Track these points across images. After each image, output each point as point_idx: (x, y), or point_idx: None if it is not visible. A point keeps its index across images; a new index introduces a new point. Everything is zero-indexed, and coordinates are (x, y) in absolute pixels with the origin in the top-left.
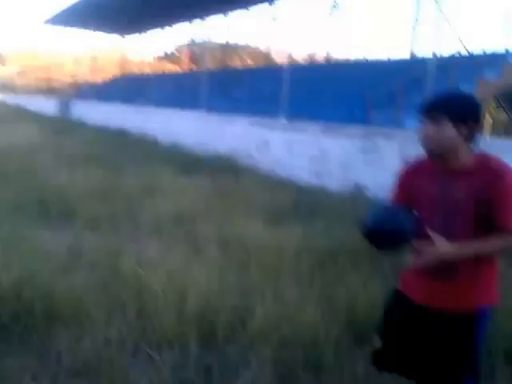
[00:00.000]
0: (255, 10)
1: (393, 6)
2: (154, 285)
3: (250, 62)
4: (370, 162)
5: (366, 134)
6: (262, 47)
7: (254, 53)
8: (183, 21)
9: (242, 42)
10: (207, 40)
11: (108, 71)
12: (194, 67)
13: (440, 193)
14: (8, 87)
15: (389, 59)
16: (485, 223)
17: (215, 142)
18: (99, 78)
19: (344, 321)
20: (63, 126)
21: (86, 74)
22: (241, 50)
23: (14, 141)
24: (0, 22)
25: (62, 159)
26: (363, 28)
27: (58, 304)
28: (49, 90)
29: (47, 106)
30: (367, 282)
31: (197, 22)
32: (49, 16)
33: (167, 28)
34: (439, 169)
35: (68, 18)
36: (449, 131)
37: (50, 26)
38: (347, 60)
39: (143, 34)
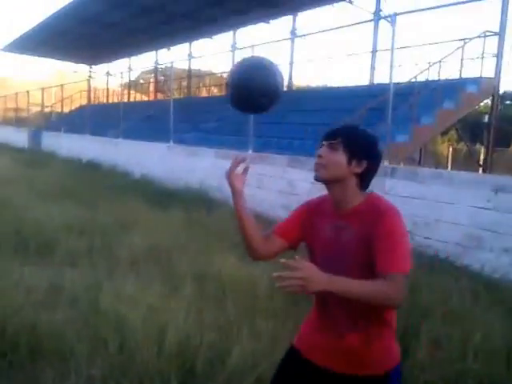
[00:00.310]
0: (218, 38)
1: (351, 33)
2: (134, 321)
3: (214, 89)
4: None
5: None
6: (226, 75)
7: (219, 80)
8: (149, 50)
9: (206, 70)
10: (172, 67)
11: (76, 100)
12: (160, 95)
13: (331, 236)
14: None
15: (350, 86)
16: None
17: (185, 174)
18: (67, 107)
19: None
20: (34, 158)
21: (54, 103)
22: (206, 78)
23: None
24: None
25: (35, 192)
26: (323, 55)
27: (42, 340)
28: (17, 121)
29: (16, 137)
30: None
31: (162, 51)
32: (5, 43)
33: (133, 57)
34: (334, 210)
35: (27, 46)
36: (340, 159)
37: (10, 54)
38: (309, 86)
39: (110, 64)
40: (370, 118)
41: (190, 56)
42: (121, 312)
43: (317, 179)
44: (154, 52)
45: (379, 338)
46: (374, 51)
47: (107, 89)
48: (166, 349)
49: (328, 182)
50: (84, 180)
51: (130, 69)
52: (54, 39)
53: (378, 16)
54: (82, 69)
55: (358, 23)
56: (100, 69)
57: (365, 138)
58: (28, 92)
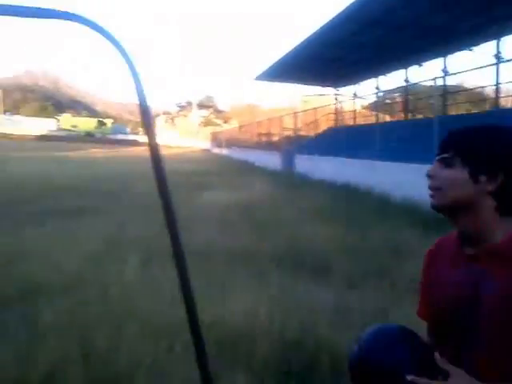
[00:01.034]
0: (478, 50)
1: None
2: None
3: (468, 106)
4: None
5: None
6: (486, 90)
7: (474, 96)
8: (398, 69)
9: (459, 85)
10: (435, 84)
11: (322, 123)
12: (409, 115)
13: (459, 290)
14: (231, 142)
15: None
16: None
17: None
18: (314, 130)
19: None
20: (290, 181)
21: (302, 126)
22: (457, 94)
23: (251, 194)
24: (220, 83)
25: (299, 213)
26: None
27: (342, 360)
28: (268, 144)
29: (268, 160)
30: None
31: (413, 68)
32: (259, 72)
33: (381, 77)
34: (463, 251)
35: (277, 73)
36: (459, 176)
37: (261, 82)
38: None
39: (356, 86)
40: None
41: (445, 71)
42: None
43: (434, 207)
44: (402, 70)
45: None
46: None
47: (354, 110)
48: None
49: (450, 210)
50: (342, 202)
51: (377, 89)
52: (301, 65)
53: None
54: (327, 92)
55: None
56: (345, 91)
57: (492, 140)
58: (281, 117)
